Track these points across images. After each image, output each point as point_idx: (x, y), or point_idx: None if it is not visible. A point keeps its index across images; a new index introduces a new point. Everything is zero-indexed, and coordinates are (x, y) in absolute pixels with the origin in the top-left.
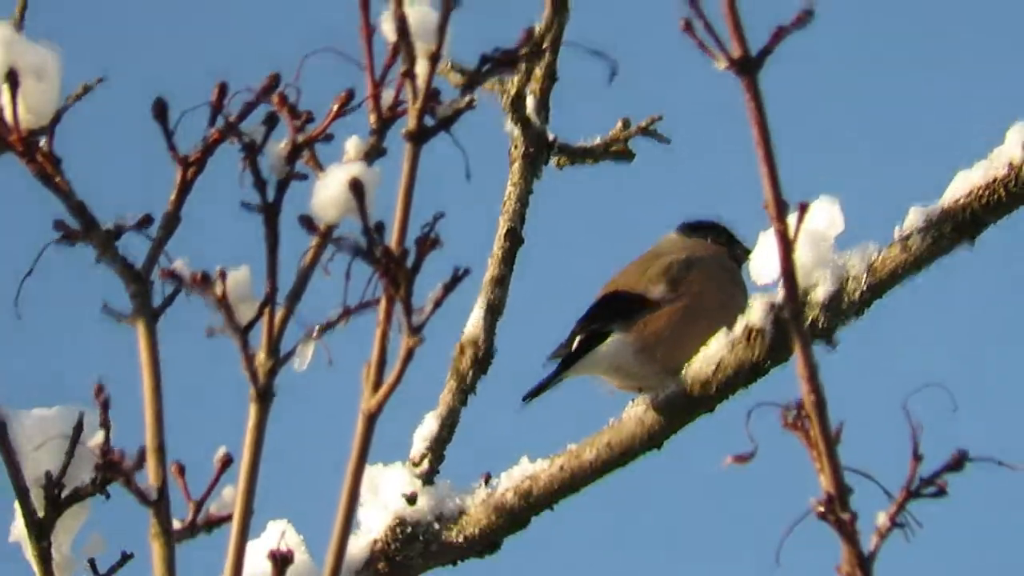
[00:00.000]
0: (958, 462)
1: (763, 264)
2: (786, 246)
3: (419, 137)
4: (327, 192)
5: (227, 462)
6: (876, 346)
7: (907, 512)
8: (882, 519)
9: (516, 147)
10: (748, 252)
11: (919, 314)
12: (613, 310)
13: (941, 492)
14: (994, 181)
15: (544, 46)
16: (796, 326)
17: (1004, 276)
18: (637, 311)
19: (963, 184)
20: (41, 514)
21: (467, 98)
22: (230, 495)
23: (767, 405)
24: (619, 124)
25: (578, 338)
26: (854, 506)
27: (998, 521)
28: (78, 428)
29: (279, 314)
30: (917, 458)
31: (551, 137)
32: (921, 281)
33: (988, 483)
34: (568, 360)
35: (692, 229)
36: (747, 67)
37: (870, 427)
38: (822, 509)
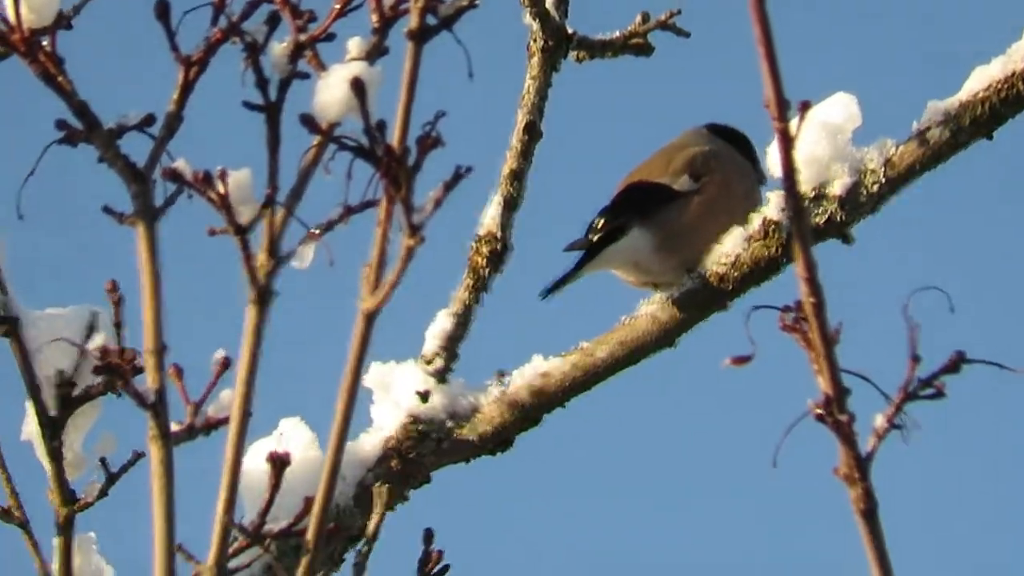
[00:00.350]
0: (956, 364)
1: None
2: (787, 145)
3: (421, 36)
4: (329, 91)
5: (225, 364)
6: (877, 247)
7: (905, 414)
8: (880, 421)
9: (535, 41)
10: (764, 179)
11: (919, 216)
12: (634, 203)
13: (939, 394)
14: (1012, 75)
15: None
16: (797, 224)
17: (1009, 178)
18: (658, 204)
19: (981, 78)
20: (53, 413)
21: None
22: (228, 397)
23: (766, 307)
24: (638, 18)
25: (597, 232)
26: (852, 408)
27: (995, 423)
28: (90, 327)
29: (280, 214)
30: (915, 359)
31: (570, 31)
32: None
33: (986, 385)
34: (587, 255)
35: (720, 132)
36: None
37: (869, 328)
38: (820, 411)
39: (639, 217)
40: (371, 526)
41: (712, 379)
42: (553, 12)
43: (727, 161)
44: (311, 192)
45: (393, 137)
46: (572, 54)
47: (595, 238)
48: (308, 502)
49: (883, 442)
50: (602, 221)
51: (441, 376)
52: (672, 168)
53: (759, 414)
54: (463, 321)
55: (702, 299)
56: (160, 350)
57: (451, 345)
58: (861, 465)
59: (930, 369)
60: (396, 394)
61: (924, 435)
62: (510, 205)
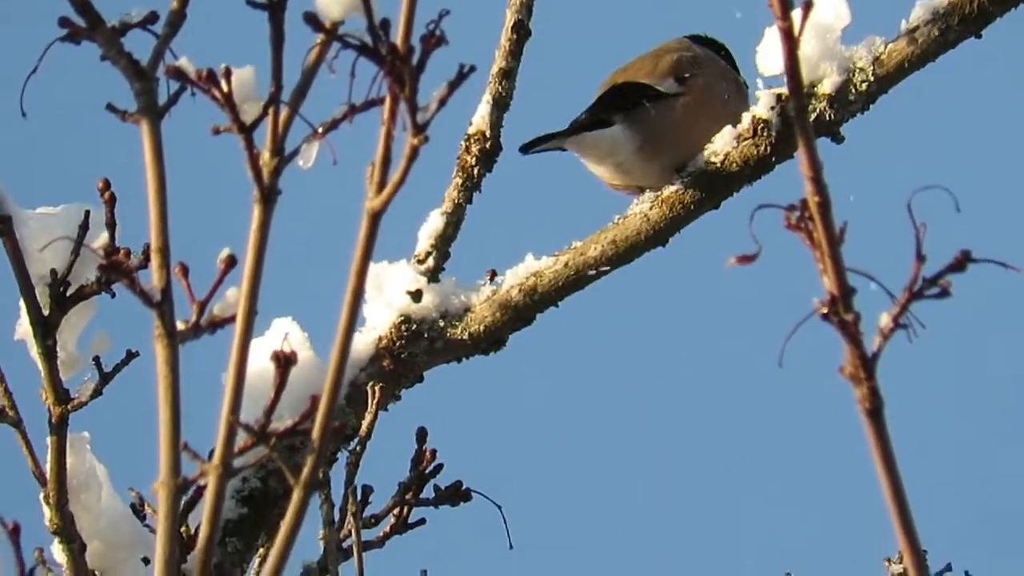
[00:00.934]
0: (961, 263)
1: (769, 55)
2: (790, 43)
3: None
4: None
5: (231, 263)
6: (881, 145)
7: (910, 313)
8: (885, 320)
9: None
10: (746, 86)
11: (922, 114)
12: (618, 101)
13: (944, 293)
14: None
15: None
16: (800, 123)
17: (1009, 76)
18: (642, 103)
19: None
20: (46, 312)
21: None
22: (234, 296)
23: (770, 207)
24: None
25: (578, 123)
26: (857, 307)
27: (1000, 323)
28: (84, 226)
29: (284, 113)
30: (920, 259)
31: None
32: (926, 78)
33: (991, 284)
34: (571, 129)
35: (702, 41)
36: None
37: (874, 227)
38: (825, 310)
39: (622, 114)
40: (364, 425)
41: (711, 279)
42: None
43: (710, 65)
44: (315, 91)
45: (397, 36)
46: None
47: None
48: (314, 400)
49: (888, 341)
50: (589, 115)
51: (433, 275)
52: (658, 70)
53: (762, 315)
54: (454, 221)
55: (692, 198)
56: (166, 248)
57: (443, 244)
58: (867, 364)
59: (935, 268)
60: (388, 294)
61: (929, 334)
62: (499, 105)
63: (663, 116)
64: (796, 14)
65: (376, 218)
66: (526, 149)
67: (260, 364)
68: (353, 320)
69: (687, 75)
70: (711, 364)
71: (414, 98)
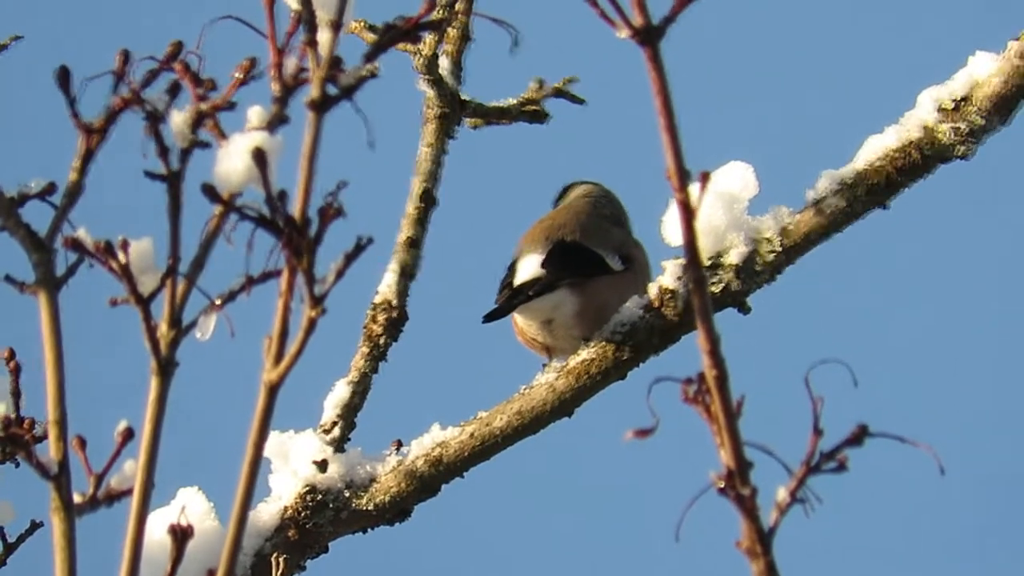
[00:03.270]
0: (858, 437)
1: (674, 226)
2: (688, 215)
3: (322, 106)
4: (230, 161)
5: (128, 435)
6: (782, 316)
7: (807, 487)
8: (782, 494)
9: (430, 107)
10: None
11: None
12: (569, 265)
13: (841, 467)
14: (908, 144)
15: (457, 8)
16: (698, 296)
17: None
18: (593, 274)
19: (876, 148)
20: None
21: (370, 66)
22: (131, 468)
23: (668, 380)
24: (533, 84)
25: (532, 282)
26: (755, 481)
27: (898, 497)
28: None
29: (181, 284)
30: (818, 432)
31: (465, 97)
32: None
33: (888, 458)
34: (527, 295)
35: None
36: (649, 36)
37: (773, 399)
38: (722, 484)
39: (569, 279)
40: None
41: (613, 449)
42: (448, 79)
43: (641, 245)
44: (213, 262)
45: (295, 207)
46: (467, 120)
47: (529, 290)
48: (210, 574)
49: (785, 516)
50: (542, 272)
51: (339, 445)
52: (607, 243)
53: (661, 486)
54: (360, 390)
55: (599, 369)
56: (63, 420)
57: (349, 414)
58: (764, 539)
59: (833, 441)
60: (294, 463)
61: (826, 508)
62: (406, 273)
63: (607, 290)
64: (695, 186)
65: (273, 390)
66: (489, 319)
67: (162, 534)
68: (250, 493)
69: (631, 257)
70: (611, 536)
71: (311, 270)
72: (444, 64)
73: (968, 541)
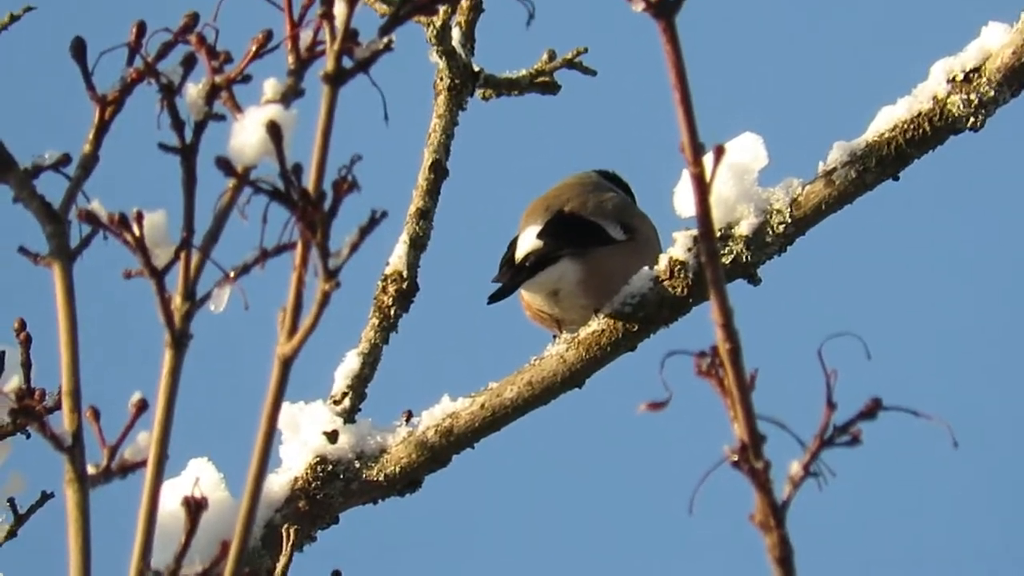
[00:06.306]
0: (872, 410)
1: (685, 198)
2: (702, 189)
3: (337, 79)
4: (245, 134)
5: (142, 407)
6: (794, 288)
7: (820, 461)
8: (795, 468)
9: (441, 79)
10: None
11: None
12: (568, 234)
13: (855, 441)
14: (919, 115)
15: None
16: (711, 270)
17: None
18: (594, 243)
19: (887, 119)
20: None
21: (385, 39)
22: (145, 440)
23: (681, 353)
24: (544, 56)
25: (531, 254)
26: (768, 454)
27: (911, 470)
28: None
29: (195, 257)
30: (831, 406)
31: (476, 68)
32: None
33: (902, 432)
34: (530, 270)
35: (610, 179)
36: (664, 9)
37: (786, 372)
38: (735, 457)
39: (570, 249)
40: (279, 568)
41: (626, 422)
42: (459, 50)
43: (644, 214)
44: (227, 235)
45: (309, 181)
46: (478, 92)
47: (529, 263)
48: (224, 546)
49: (799, 489)
50: (540, 244)
51: (349, 416)
52: (603, 211)
53: (674, 459)
54: (371, 361)
55: (609, 340)
56: (77, 392)
57: (359, 385)
58: (777, 512)
59: (846, 415)
60: (304, 434)
61: (839, 482)
62: (416, 244)
63: (610, 260)
64: (708, 159)
65: (287, 364)
66: (494, 300)
67: (174, 505)
68: (264, 465)
69: (633, 226)
70: (623, 509)
71: (326, 244)
72: (456, 35)
73: (980, 515)
